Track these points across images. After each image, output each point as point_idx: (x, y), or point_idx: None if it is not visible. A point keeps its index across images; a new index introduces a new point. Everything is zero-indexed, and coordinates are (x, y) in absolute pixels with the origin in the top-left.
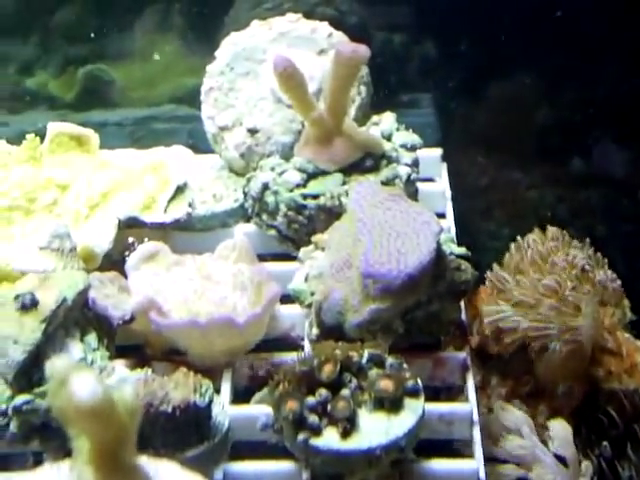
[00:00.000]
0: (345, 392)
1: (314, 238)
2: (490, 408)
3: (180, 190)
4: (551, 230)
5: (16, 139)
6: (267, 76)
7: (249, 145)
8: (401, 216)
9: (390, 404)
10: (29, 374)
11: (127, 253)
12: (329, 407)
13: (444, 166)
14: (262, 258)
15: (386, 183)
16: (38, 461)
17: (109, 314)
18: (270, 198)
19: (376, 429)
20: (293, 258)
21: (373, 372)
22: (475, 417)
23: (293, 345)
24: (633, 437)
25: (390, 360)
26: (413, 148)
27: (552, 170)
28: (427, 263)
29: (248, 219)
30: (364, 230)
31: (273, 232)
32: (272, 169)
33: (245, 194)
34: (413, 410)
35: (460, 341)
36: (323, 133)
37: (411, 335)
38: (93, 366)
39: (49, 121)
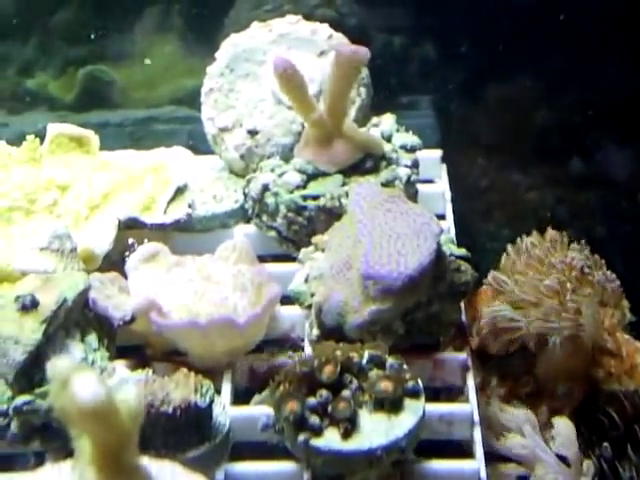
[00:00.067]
0: (346, 393)
1: (314, 239)
2: (490, 406)
3: (180, 191)
4: (549, 233)
5: (16, 140)
6: (267, 77)
7: (249, 146)
8: (401, 217)
9: (390, 405)
10: (30, 375)
11: (127, 254)
12: (330, 408)
13: (444, 167)
14: (262, 259)
15: (386, 184)
16: (39, 461)
17: (110, 315)
18: (270, 199)
19: (377, 430)
20: (293, 259)
21: (373, 373)
22: (475, 417)
23: (293, 346)
24: (633, 438)
25: (390, 361)
26: (413, 149)
27: (552, 171)
28: (427, 264)
29: (248, 220)
30: (364, 231)
31: (273, 233)
32: (272, 170)
33: (245, 195)
34: (413, 411)
35: (460, 342)
36: (323, 134)
37: (411, 336)
38: (94, 367)
39: (49, 122)
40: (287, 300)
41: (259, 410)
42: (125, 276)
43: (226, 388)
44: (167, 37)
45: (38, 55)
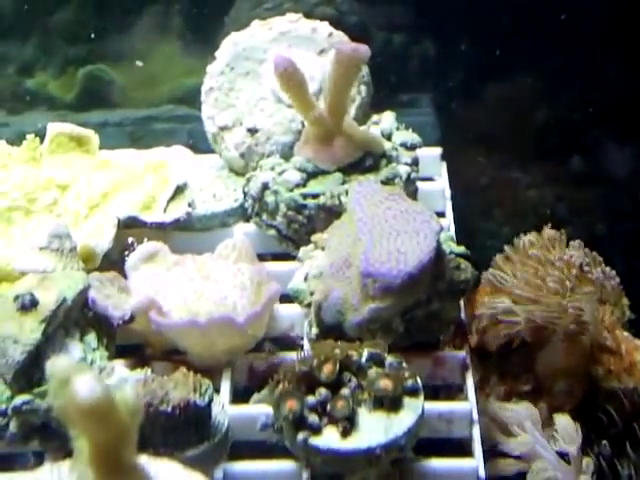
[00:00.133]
0: (345, 391)
1: (314, 237)
2: (491, 403)
3: (180, 190)
4: (548, 232)
5: (16, 140)
6: (267, 76)
7: (249, 145)
8: (401, 215)
9: (390, 403)
10: (29, 374)
11: (127, 253)
12: (329, 406)
13: (444, 165)
14: (262, 258)
15: (386, 182)
16: (39, 461)
17: (109, 314)
18: (270, 198)
19: (376, 428)
20: (293, 258)
21: (373, 371)
22: (475, 416)
23: (293, 344)
24: (632, 436)
25: (390, 359)
26: (413, 147)
27: (551, 169)
28: (427, 262)
29: (248, 219)
30: (364, 229)
31: (273, 232)
32: (272, 169)
33: (245, 194)
34: (413, 409)
35: (459, 340)
36: (323, 132)
37: (411, 334)
38: (93, 366)
39: (49, 122)
40: (286, 299)
41: (258, 409)
42: (125, 275)
43: (225, 387)
44: (167, 36)
45: (38, 55)
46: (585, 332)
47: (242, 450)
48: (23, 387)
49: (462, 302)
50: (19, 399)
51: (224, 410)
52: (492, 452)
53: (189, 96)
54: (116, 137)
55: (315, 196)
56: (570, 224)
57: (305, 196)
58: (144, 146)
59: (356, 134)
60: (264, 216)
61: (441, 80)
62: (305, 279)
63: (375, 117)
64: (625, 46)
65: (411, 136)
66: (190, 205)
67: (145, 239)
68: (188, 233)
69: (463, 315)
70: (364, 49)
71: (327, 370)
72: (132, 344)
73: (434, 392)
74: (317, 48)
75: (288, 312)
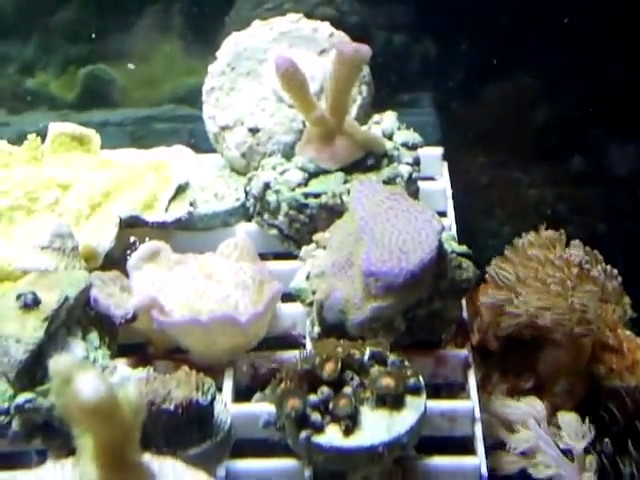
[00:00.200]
0: (347, 390)
1: (315, 237)
2: (494, 400)
3: (181, 189)
4: (547, 232)
5: (17, 139)
6: (268, 76)
7: (250, 144)
8: (403, 215)
9: (392, 401)
10: (31, 373)
11: (128, 252)
12: (331, 405)
13: (445, 165)
14: (264, 257)
15: (387, 182)
16: (41, 459)
17: (111, 313)
18: (271, 197)
19: (378, 426)
20: (294, 257)
21: (375, 370)
22: (477, 414)
23: (295, 343)
24: (634, 434)
25: (392, 358)
26: (414, 147)
27: (552, 169)
28: (429, 261)
29: (249, 218)
30: (366, 229)
31: (274, 231)
32: (273, 168)
33: (246, 193)
34: (415, 407)
35: (461, 339)
36: (324, 132)
37: (413, 333)
38: (95, 365)
39: (50, 121)
40: (288, 298)
41: (260, 407)
42: (127, 274)
43: (227, 386)
44: (168, 36)
45: (39, 54)
46: (590, 332)
47: (244, 448)
48: (25, 386)
49: (464, 301)
50: (22, 397)
51: (226, 409)
52: (495, 450)
53: (190, 96)
54: (117, 137)
55: (317, 195)
56: (571, 223)
57: (307, 195)
58: (145, 146)
59: (357, 134)
60: (266, 215)
61: (442, 80)
62: (307, 278)
63: (376, 117)
64: (625, 45)
65: (412, 136)
66: (192, 204)
67: (147, 238)
68: (190, 232)
69: (465, 314)
70: (365, 49)
71: (329, 369)
72: (134, 343)
73: (435, 391)
74: (318, 48)
75: (290, 311)
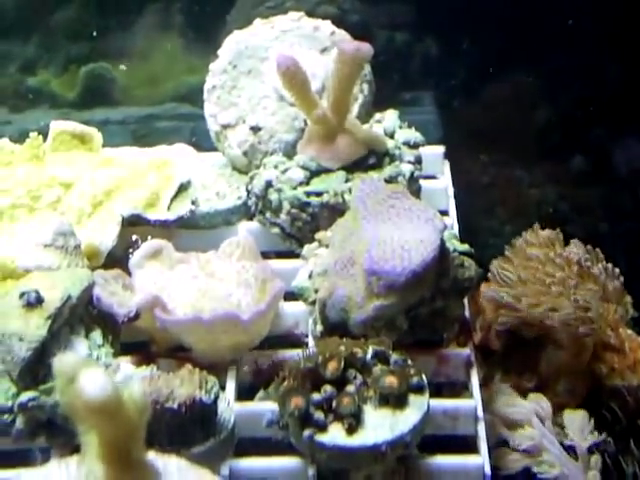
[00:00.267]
0: (350, 388)
1: (318, 235)
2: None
3: (183, 188)
4: (545, 232)
5: (19, 138)
6: (270, 74)
7: (252, 143)
8: (404, 213)
9: (395, 400)
10: (34, 371)
11: (131, 251)
12: (334, 403)
13: (447, 163)
14: (266, 256)
15: (389, 180)
16: (45, 458)
17: (114, 311)
18: (273, 196)
19: (381, 425)
20: (297, 255)
21: (378, 368)
22: (479, 413)
23: (297, 342)
24: (636, 433)
25: (394, 356)
26: (416, 145)
27: (554, 168)
28: (431, 260)
29: (251, 217)
30: (368, 227)
31: (276, 230)
32: (275, 167)
33: (248, 192)
34: (418, 406)
35: (464, 338)
36: (326, 131)
37: (415, 332)
38: (98, 363)
39: (52, 119)
40: (291, 296)
41: (264, 406)
42: (129, 273)
43: (230, 384)
44: (169, 34)
45: (40, 53)
46: (593, 332)
47: (248, 447)
48: (29, 384)
49: (466, 300)
50: (25, 396)
51: (230, 407)
52: (498, 448)
53: (192, 94)
54: (119, 135)
55: (319, 194)
56: (572, 222)
57: (309, 194)
58: (147, 144)
59: (359, 132)
60: (268, 214)
61: (444, 78)
62: (309, 277)
63: (378, 115)
64: (627, 45)
65: (414, 134)
66: (194, 203)
67: (149, 237)
68: (192, 231)
69: (467, 313)
70: (367, 48)
71: (332, 367)
72: (137, 341)
73: (437, 389)
74: (319, 46)
75: (292, 310)
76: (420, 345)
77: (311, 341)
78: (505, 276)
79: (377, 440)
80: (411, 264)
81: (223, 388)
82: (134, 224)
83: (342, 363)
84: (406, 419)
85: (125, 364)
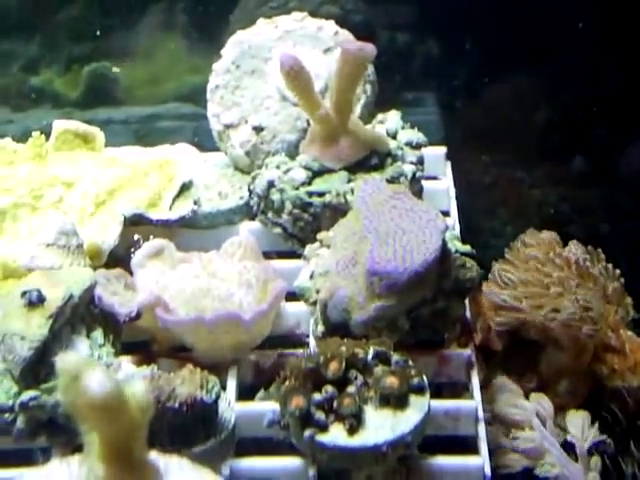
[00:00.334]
0: (351, 389)
1: (319, 236)
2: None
3: (185, 187)
4: (543, 232)
5: (22, 137)
6: (273, 74)
7: (254, 143)
8: (406, 214)
9: (396, 401)
10: (36, 370)
11: (133, 250)
12: (335, 404)
13: (448, 164)
14: (267, 256)
15: (391, 181)
16: (46, 457)
17: (116, 311)
18: (275, 196)
19: (382, 425)
20: (298, 256)
21: (379, 369)
22: (480, 414)
23: (299, 342)
24: (636, 434)
25: (395, 357)
26: (418, 146)
27: (555, 169)
28: (432, 260)
29: (253, 217)
30: (370, 227)
31: (278, 230)
32: (277, 167)
33: (250, 192)
34: (419, 407)
35: (465, 338)
36: (329, 131)
37: (416, 332)
38: (100, 362)
39: (54, 119)
40: (292, 296)
41: (264, 406)
42: (131, 272)
43: (231, 384)
44: (172, 34)
45: (43, 52)
46: (595, 333)
47: (249, 447)
48: (30, 383)
49: (467, 301)
50: (26, 395)
51: (231, 407)
52: (498, 448)
53: (195, 94)
54: (121, 134)
55: (321, 194)
56: (573, 223)
57: (311, 194)
58: (149, 144)
59: (361, 133)
60: (270, 214)
61: (446, 79)
62: (311, 277)
63: (380, 116)
64: (628, 46)
65: (416, 135)
66: (196, 203)
67: (151, 236)
68: (194, 231)
69: (468, 313)
70: (370, 48)
71: (333, 367)
72: (138, 341)
73: (438, 390)
74: (323, 46)
75: (294, 310)
76: (421, 346)
77: (312, 341)
78: (506, 278)
79: (378, 440)
80: (413, 265)
81: (224, 388)
82: (136, 224)
83: (343, 363)
84: (407, 419)
85: (126, 364)
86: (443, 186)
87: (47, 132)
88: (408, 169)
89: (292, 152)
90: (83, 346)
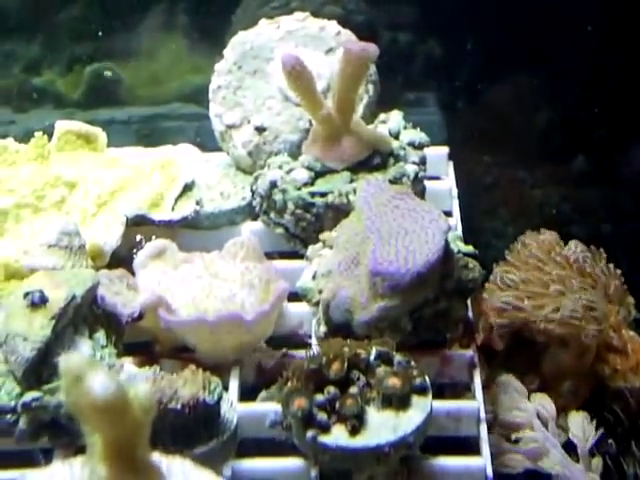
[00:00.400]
0: (353, 390)
1: (322, 236)
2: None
3: (188, 188)
4: (544, 232)
5: (24, 137)
6: (275, 74)
7: (257, 143)
8: (409, 214)
9: (398, 401)
10: (38, 371)
11: (135, 251)
12: (337, 404)
13: (451, 164)
14: (270, 256)
15: (394, 181)
16: (49, 458)
17: (118, 311)
18: (278, 196)
19: (384, 426)
20: (301, 256)
21: (381, 369)
22: (482, 414)
23: (301, 343)
24: (638, 434)
25: (398, 358)
26: (420, 146)
27: (557, 169)
28: (435, 261)
29: (256, 217)
30: (372, 228)
31: (281, 230)
32: (280, 167)
33: (253, 192)
34: (421, 407)
35: (467, 339)
36: (331, 131)
37: (419, 333)
38: (101, 363)
39: (56, 119)
40: (295, 297)
41: (266, 406)
42: (133, 273)
43: (234, 385)
44: (174, 34)
45: (45, 53)
46: (599, 333)
47: (251, 447)
48: (32, 384)
49: (469, 301)
50: (29, 396)
51: (233, 407)
52: (500, 449)
53: (197, 94)
54: (123, 135)
55: (323, 194)
56: (575, 223)
57: (313, 194)
58: (151, 144)
59: (364, 133)
60: (272, 214)
61: (448, 79)
62: (313, 277)
63: (383, 116)
64: (629, 46)
65: (419, 135)
66: (198, 203)
67: (153, 237)
68: (196, 231)
69: (470, 314)
70: (373, 48)
71: (336, 368)
72: (140, 341)
73: (439, 390)
74: (325, 47)
75: (296, 310)
76: (423, 346)
77: (315, 342)
78: (508, 279)
79: (380, 441)
80: (415, 265)
81: (226, 388)
82: (138, 224)
83: (345, 364)
84: (409, 420)
85: (128, 364)
86: (445, 186)
87: (49, 133)
88: (410, 169)
89: (294, 152)
90: (85, 347)
